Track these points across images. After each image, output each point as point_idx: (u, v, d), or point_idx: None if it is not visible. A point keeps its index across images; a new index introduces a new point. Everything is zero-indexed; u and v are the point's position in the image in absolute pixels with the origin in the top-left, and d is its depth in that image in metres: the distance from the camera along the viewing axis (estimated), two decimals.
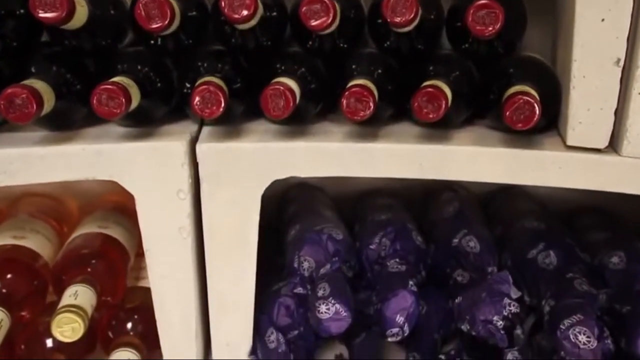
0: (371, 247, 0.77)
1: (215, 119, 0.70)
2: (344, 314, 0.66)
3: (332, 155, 0.67)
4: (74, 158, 0.65)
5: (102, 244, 0.77)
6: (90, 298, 0.68)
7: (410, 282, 0.69)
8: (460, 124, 0.71)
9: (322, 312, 0.66)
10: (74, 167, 0.65)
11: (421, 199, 0.95)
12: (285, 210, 0.89)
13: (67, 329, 0.64)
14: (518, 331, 0.73)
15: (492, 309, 0.65)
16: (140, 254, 0.84)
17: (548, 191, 0.95)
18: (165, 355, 0.75)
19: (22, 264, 0.74)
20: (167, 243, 0.69)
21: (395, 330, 0.67)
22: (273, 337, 0.74)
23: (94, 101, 0.60)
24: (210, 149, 0.66)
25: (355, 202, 0.93)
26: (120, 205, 0.87)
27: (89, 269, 0.73)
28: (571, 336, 0.64)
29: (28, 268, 0.74)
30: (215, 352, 0.75)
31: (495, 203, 0.91)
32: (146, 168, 0.66)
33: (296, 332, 0.74)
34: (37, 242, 0.78)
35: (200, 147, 0.66)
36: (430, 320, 0.75)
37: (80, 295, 0.68)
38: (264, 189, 0.68)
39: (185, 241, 0.69)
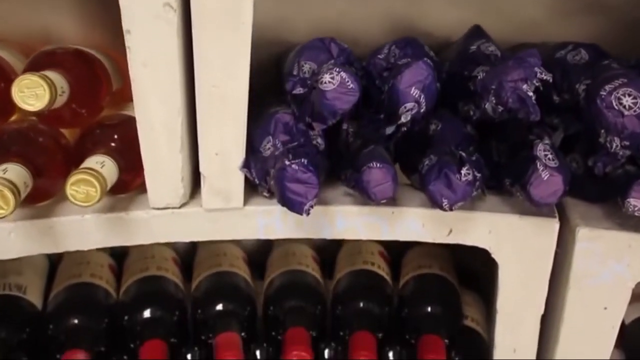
0: (379, 56, 0.68)
1: None
2: (351, 85, 0.58)
3: None
4: None
5: (79, 53, 0.69)
6: (62, 81, 0.60)
7: (425, 57, 0.60)
8: None
9: (325, 83, 0.58)
10: None
11: None
12: (282, 64, 0.81)
13: (29, 94, 0.56)
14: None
15: (521, 72, 0.56)
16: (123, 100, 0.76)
17: None
18: (146, 167, 0.66)
19: None
20: (150, 22, 0.61)
21: (410, 104, 0.58)
22: (269, 145, 0.65)
23: None
24: None
25: None
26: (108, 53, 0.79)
27: (64, 65, 0.65)
28: (614, 101, 0.55)
29: None
30: (203, 164, 0.66)
31: None
32: None
33: (296, 143, 0.65)
34: (7, 55, 0.70)
35: None
36: (446, 136, 0.67)
37: (50, 74, 0.59)
38: None
39: (171, 21, 0.61)
